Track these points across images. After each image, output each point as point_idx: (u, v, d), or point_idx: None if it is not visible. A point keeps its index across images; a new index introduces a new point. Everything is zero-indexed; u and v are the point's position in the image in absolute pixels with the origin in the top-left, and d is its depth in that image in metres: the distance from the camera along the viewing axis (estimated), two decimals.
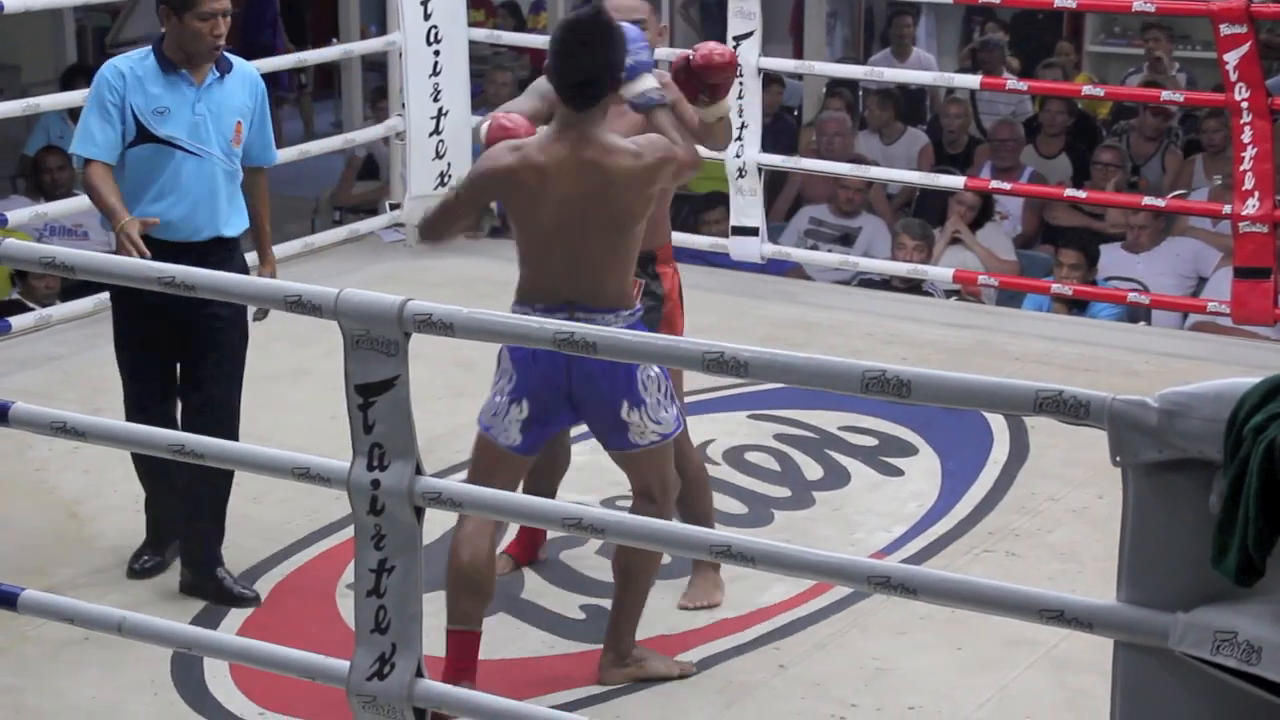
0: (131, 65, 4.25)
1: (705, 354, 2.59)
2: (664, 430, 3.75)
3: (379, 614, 2.86)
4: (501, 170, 3.65)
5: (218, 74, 4.28)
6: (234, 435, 4.24)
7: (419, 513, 2.83)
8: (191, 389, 4.29)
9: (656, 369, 3.70)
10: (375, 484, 2.81)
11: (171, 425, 4.22)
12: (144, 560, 4.41)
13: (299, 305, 2.85)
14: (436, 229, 3.78)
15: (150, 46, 4.30)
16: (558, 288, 3.66)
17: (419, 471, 2.82)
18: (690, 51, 4.05)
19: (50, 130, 8.40)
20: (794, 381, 2.63)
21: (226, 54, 4.32)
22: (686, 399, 5.52)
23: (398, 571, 2.84)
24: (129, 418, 4.25)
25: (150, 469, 4.38)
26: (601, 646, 3.95)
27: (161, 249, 4.07)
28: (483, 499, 2.99)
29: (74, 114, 8.10)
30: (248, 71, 4.37)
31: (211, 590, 4.28)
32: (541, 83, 4.04)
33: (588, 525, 2.78)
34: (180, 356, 4.30)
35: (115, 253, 4.14)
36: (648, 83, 3.80)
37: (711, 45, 4.05)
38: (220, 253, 4.24)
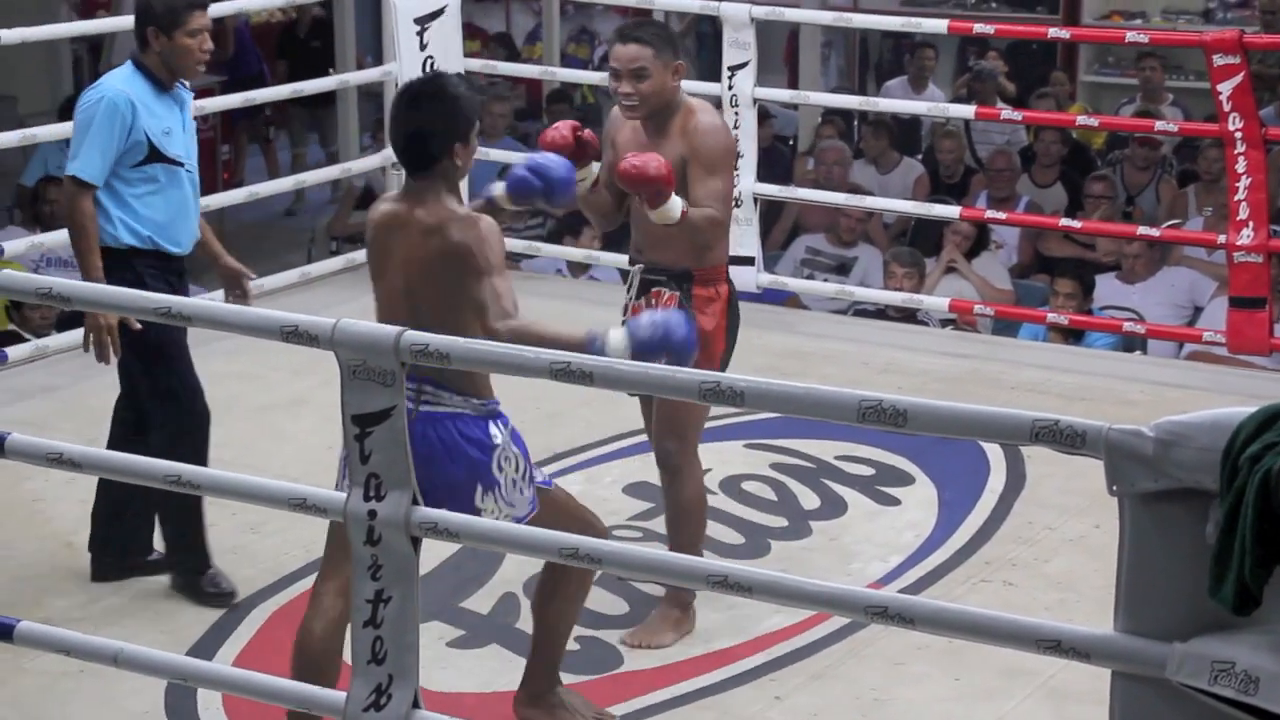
0: (132, 89, 4.29)
1: (701, 384, 2.60)
2: (517, 514, 3.53)
3: (375, 645, 2.86)
4: (369, 225, 3.61)
5: (187, 92, 4.45)
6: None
7: (415, 543, 2.83)
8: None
9: (516, 447, 3.52)
10: (372, 514, 2.81)
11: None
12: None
13: (295, 335, 2.85)
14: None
15: (131, 69, 4.33)
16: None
17: (415, 502, 2.81)
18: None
19: (49, 161, 8.40)
20: (790, 411, 2.63)
21: None
22: None
23: (394, 602, 2.83)
24: (178, 408, 4.46)
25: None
26: (592, 678, 3.94)
27: (170, 261, 4.37)
28: (478, 530, 2.99)
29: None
30: (188, 91, 4.49)
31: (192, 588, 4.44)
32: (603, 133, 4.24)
33: (584, 555, 2.78)
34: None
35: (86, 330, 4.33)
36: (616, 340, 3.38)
37: (631, 159, 3.95)
38: (186, 260, 4.49)
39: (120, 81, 4.32)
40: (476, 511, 3.46)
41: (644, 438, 5.50)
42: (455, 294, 3.45)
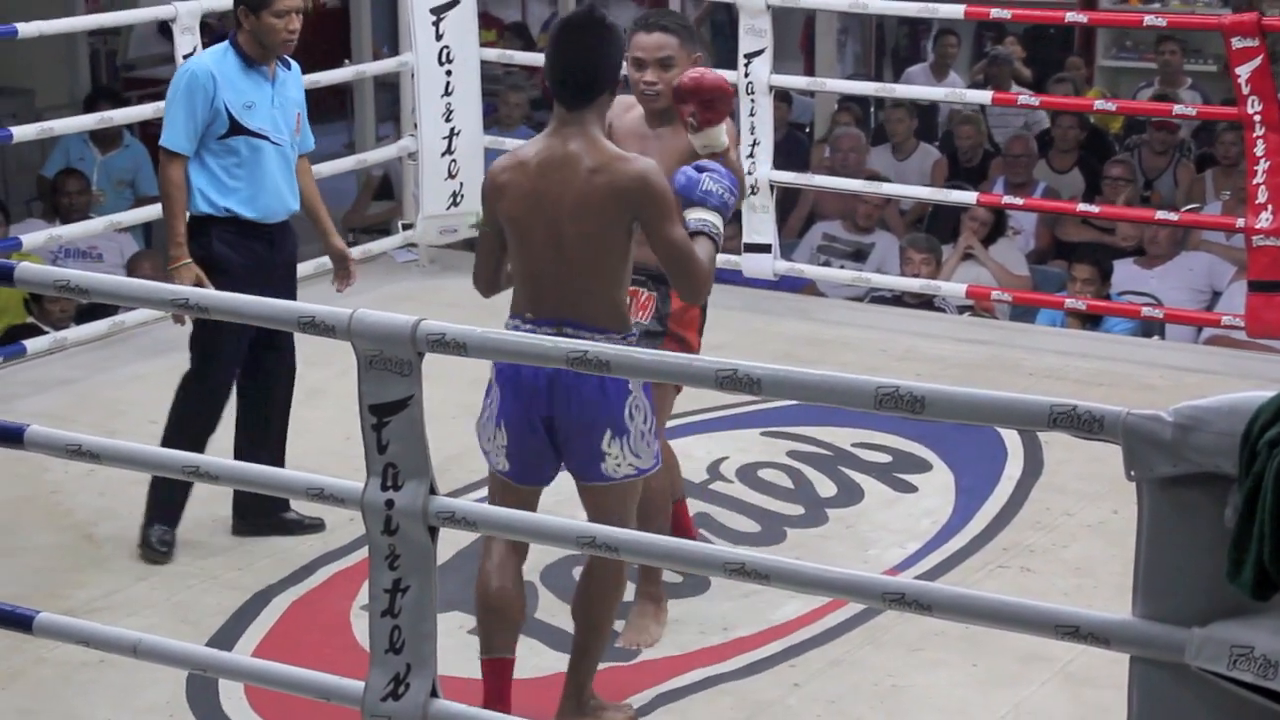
0: (217, 63, 4.57)
1: (718, 372, 2.59)
2: (641, 465, 3.58)
3: (393, 634, 2.86)
4: (493, 175, 3.57)
5: (283, 69, 4.68)
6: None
7: (433, 532, 2.83)
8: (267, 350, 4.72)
9: (645, 400, 3.55)
10: (390, 504, 2.81)
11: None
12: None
13: (312, 326, 2.85)
14: (478, 272, 3.67)
15: (226, 44, 4.63)
16: (545, 299, 3.53)
17: (433, 491, 2.82)
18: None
19: (70, 153, 8.41)
20: (807, 399, 2.63)
21: None
22: (702, 416, 5.54)
23: (412, 591, 2.83)
24: (222, 379, 4.66)
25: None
26: (611, 666, 3.94)
27: (252, 229, 4.60)
28: (497, 519, 2.99)
29: (94, 137, 8.16)
30: (295, 67, 4.75)
31: (274, 523, 4.68)
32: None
33: (602, 543, 2.78)
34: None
35: (165, 279, 4.48)
36: (696, 214, 3.59)
37: (702, 70, 3.95)
38: (286, 229, 4.72)
39: (208, 57, 4.64)
40: (602, 455, 3.52)
41: (678, 421, 5.50)
42: (613, 235, 3.48)
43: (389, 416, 2.80)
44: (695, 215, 3.57)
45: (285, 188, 4.67)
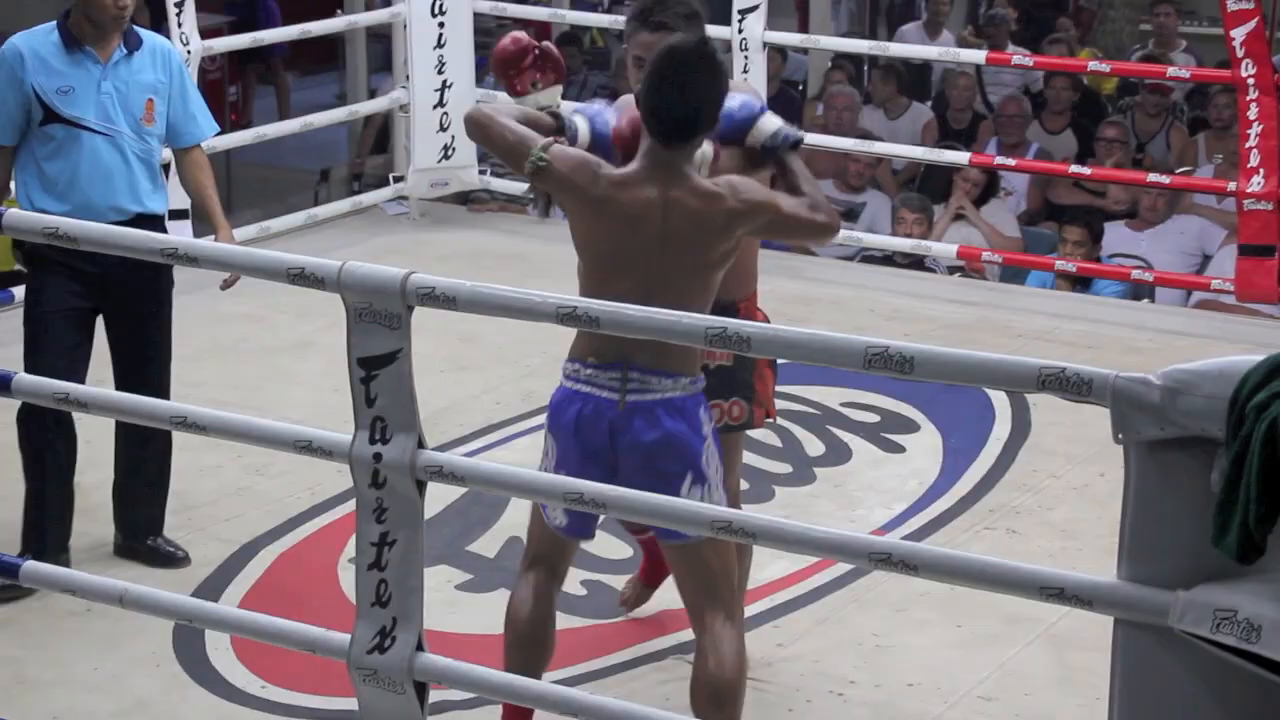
0: (33, 44, 4.13)
1: (708, 329, 2.59)
2: None
3: (380, 587, 2.86)
4: (581, 184, 3.23)
5: (125, 50, 4.16)
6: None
7: (421, 486, 2.83)
8: (130, 372, 4.24)
9: (714, 444, 3.25)
10: (377, 457, 2.81)
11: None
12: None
13: (302, 278, 2.84)
14: (482, 133, 3.35)
15: (54, 23, 4.17)
16: (615, 341, 3.14)
17: (421, 445, 2.81)
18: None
19: None
20: (796, 357, 2.63)
21: (137, 29, 4.20)
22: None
23: (399, 545, 2.84)
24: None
25: (47, 465, 4.24)
26: (596, 622, 3.94)
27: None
28: (487, 474, 2.98)
29: None
30: (160, 46, 4.24)
31: (144, 553, 4.34)
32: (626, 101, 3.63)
33: (589, 499, 2.78)
34: (110, 336, 4.25)
35: None
36: (774, 122, 3.41)
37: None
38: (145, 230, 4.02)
39: (25, 35, 4.18)
40: None
41: None
42: (713, 266, 3.23)
43: (377, 370, 2.80)
44: (772, 126, 3.38)
45: (120, 185, 4.14)
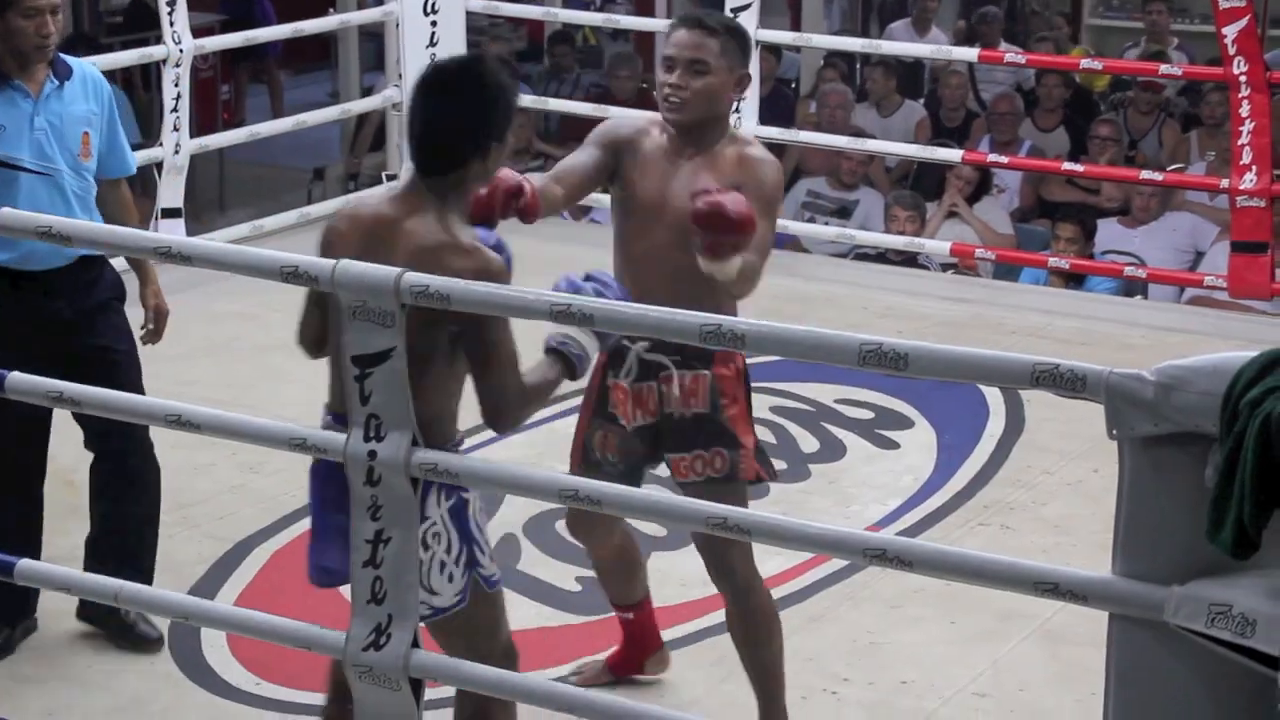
0: None
1: (702, 327, 2.59)
2: (438, 604, 2.93)
3: (375, 585, 2.86)
4: (333, 234, 2.99)
5: (55, 82, 3.83)
6: (154, 479, 3.97)
7: (415, 484, 2.83)
8: (96, 438, 3.91)
9: (451, 524, 2.93)
10: (372, 455, 2.81)
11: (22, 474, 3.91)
12: None
13: (296, 276, 2.84)
14: (303, 335, 3.10)
15: None
16: (335, 390, 2.96)
17: (415, 443, 2.81)
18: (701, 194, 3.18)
19: None
20: (791, 354, 2.63)
21: (64, 58, 3.90)
22: None
23: (394, 543, 2.83)
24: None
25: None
26: (591, 619, 3.95)
27: (16, 280, 3.74)
28: (478, 472, 2.98)
29: None
30: (90, 74, 3.91)
31: (113, 626, 3.93)
32: (604, 129, 3.48)
33: (585, 497, 2.77)
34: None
35: None
36: (573, 331, 2.95)
37: (713, 192, 3.15)
38: (90, 273, 3.85)
39: None
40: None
41: None
42: (428, 338, 2.84)
43: (372, 368, 2.79)
44: (560, 332, 2.95)
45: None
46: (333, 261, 2.81)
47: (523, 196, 3.25)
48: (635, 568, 3.75)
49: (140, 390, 3.81)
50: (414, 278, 2.75)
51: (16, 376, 3.16)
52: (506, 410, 2.90)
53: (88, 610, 3.95)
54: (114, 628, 3.93)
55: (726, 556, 3.46)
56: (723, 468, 3.45)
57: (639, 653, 3.80)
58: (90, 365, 3.75)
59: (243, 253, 3.02)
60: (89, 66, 3.96)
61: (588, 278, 3.00)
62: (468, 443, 5.17)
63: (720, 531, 2.71)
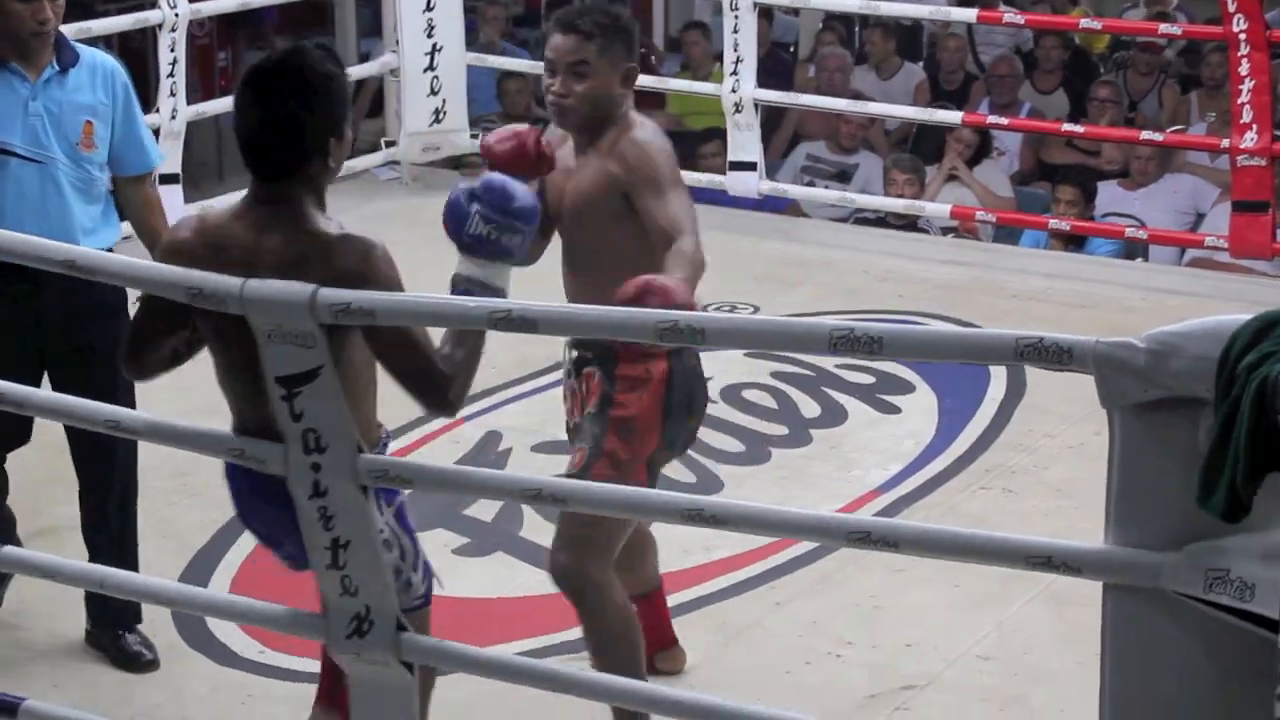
0: None
1: (658, 324, 2.39)
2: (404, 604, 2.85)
3: (345, 582, 2.71)
4: (176, 245, 2.83)
5: (57, 67, 3.73)
6: (132, 495, 3.90)
7: (365, 490, 2.65)
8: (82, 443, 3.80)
9: (398, 528, 2.90)
10: (315, 467, 2.61)
11: None
12: None
13: (201, 297, 2.60)
14: (132, 354, 2.97)
15: None
16: (241, 409, 2.87)
17: (360, 450, 2.62)
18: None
19: None
20: (758, 346, 2.57)
21: (74, 45, 3.79)
22: None
23: (354, 545, 2.67)
24: None
25: None
26: None
27: (4, 272, 3.45)
28: (431, 474, 2.85)
29: None
30: (102, 64, 3.79)
31: (113, 651, 3.87)
32: None
33: (547, 496, 2.62)
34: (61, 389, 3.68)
35: None
36: (472, 269, 2.79)
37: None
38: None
39: None
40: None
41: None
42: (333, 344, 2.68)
43: (300, 387, 2.58)
44: (464, 270, 2.80)
45: (54, 219, 3.65)
46: (240, 281, 2.58)
47: (542, 141, 3.19)
48: (642, 553, 3.64)
49: (121, 391, 3.58)
50: (330, 295, 2.52)
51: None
52: (443, 392, 2.74)
53: (92, 639, 3.90)
54: (117, 656, 3.85)
55: (581, 561, 3.31)
56: (577, 464, 3.32)
57: (648, 647, 3.55)
58: (70, 366, 3.69)
59: (149, 269, 2.79)
60: (103, 56, 3.85)
61: (473, 191, 2.81)
62: (466, 410, 5.16)
63: (696, 523, 2.51)
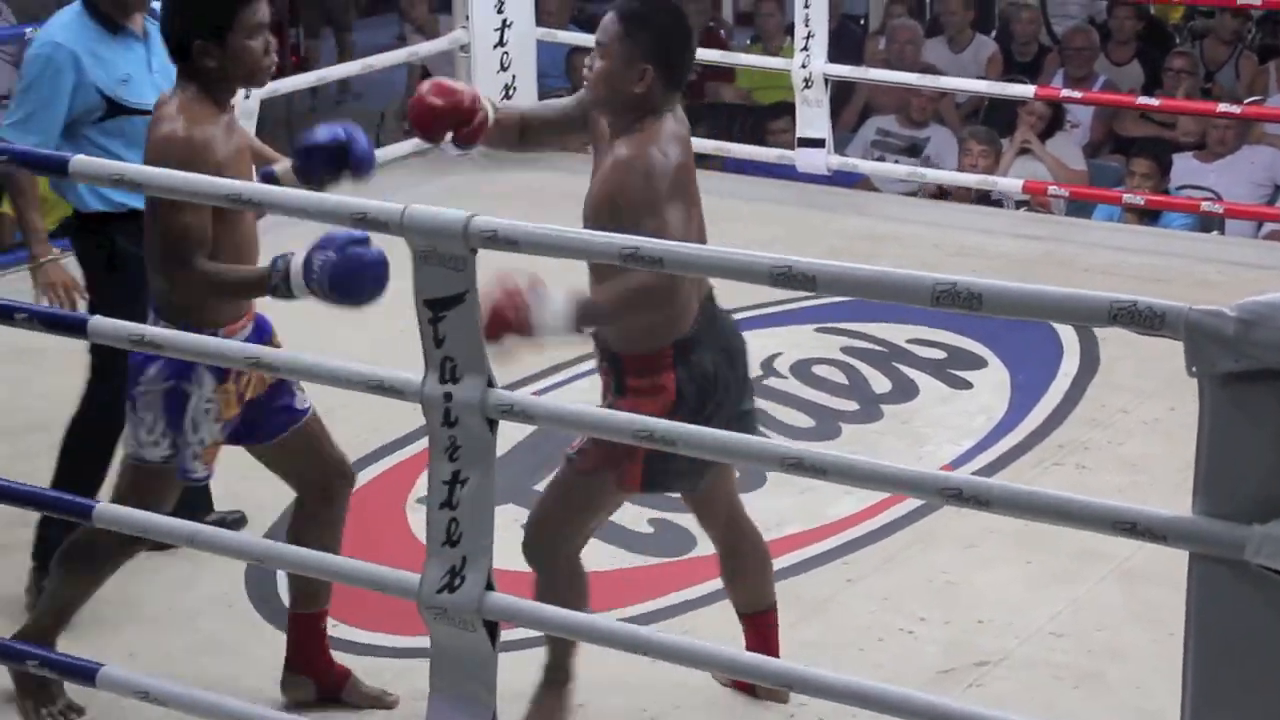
0: (78, 37, 3.79)
1: (773, 268, 2.54)
2: (139, 453, 3.39)
3: (451, 526, 2.86)
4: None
5: (152, 21, 3.81)
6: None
7: (492, 425, 2.81)
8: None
9: (160, 406, 3.34)
10: (448, 396, 2.80)
11: None
12: None
13: (365, 222, 2.83)
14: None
15: (79, 6, 3.83)
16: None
17: (491, 384, 2.81)
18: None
19: None
20: (864, 295, 2.59)
21: None
22: (754, 312, 5.51)
23: (471, 484, 2.83)
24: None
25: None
26: (664, 560, 3.94)
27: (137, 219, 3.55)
28: (555, 412, 2.97)
29: None
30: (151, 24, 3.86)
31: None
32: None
33: (659, 437, 2.72)
34: None
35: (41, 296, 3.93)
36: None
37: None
38: None
39: (61, 30, 3.81)
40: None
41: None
42: (154, 216, 3.25)
43: (444, 311, 2.78)
44: (295, 265, 3.13)
45: None
46: (401, 207, 2.80)
47: (470, 118, 3.29)
48: (761, 568, 3.57)
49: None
50: (481, 222, 2.71)
51: (97, 320, 3.17)
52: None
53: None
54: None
55: (541, 527, 3.41)
56: (575, 447, 3.33)
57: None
58: None
59: (310, 198, 3.01)
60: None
61: (317, 245, 3.09)
62: (534, 386, 5.17)
63: (795, 472, 2.63)
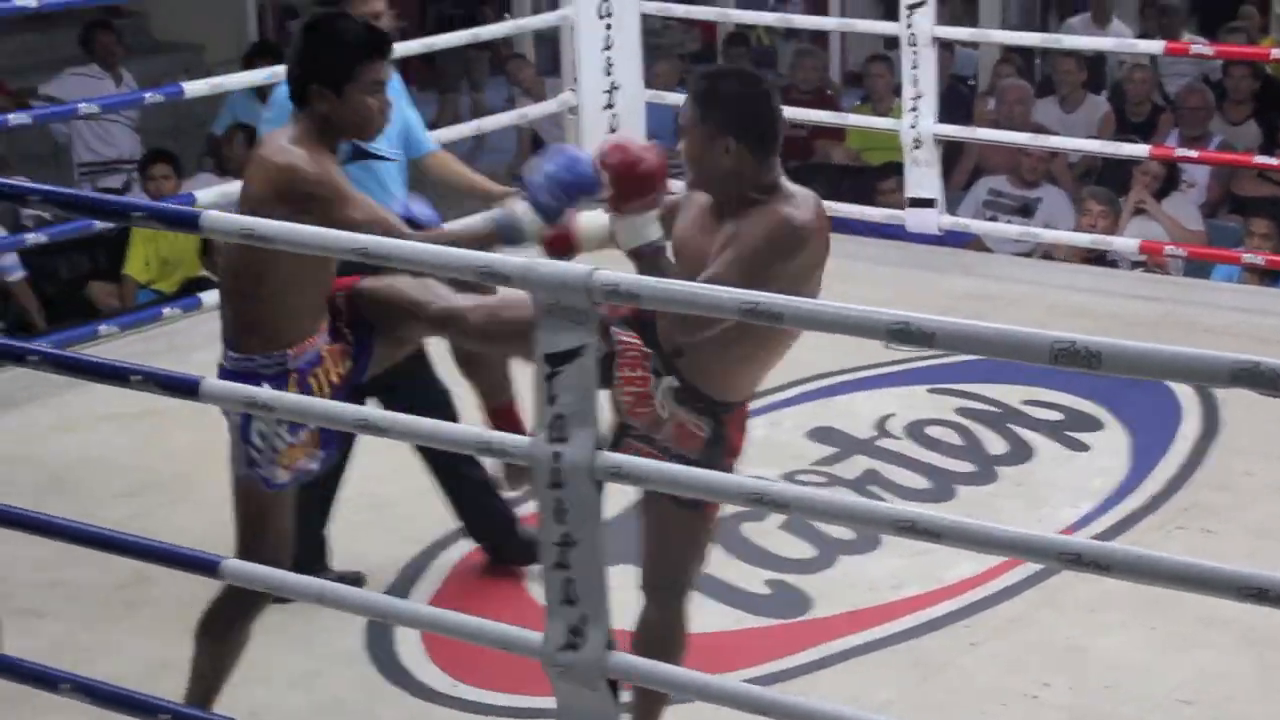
0: None
1: (890, 324, 2.50)
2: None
3: (567, 586, 2.85)
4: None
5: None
6: None
7: (599, 486, 2.77)
8: None
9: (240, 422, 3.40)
10: (556, 456, 2.78)
11: None
12: None
13: (490, 275, 2.83)
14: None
15: None
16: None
17: (599, 446, 2.76)
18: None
19: (237, 109, 8.53)
20: (982, 352, 2.56)
21: None
22: (867, 373, 5.48)
23: (582, 544, 2.80)
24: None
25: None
26: (781, 622, 3.91)
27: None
28: (662, 474, 2.94)
29: (259, 92, 8.26)
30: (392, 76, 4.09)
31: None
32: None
33: (770, 500, 2.70)
34: None
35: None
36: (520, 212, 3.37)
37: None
38: None
39: None
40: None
41: (823, 382, 5.46)
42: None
43: (562, 365, 2.76)
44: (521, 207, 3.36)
45: (400, 198, 4.20)
46: (525, 261, 2.80)
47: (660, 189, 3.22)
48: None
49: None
50: (604, 276, 2.70)
51: (210, 382, 3.14)
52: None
53: None
54: None
55: (660, 570, 3.46)
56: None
57: None
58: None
59: (438, 253, 2.93)
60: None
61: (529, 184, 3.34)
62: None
63: (909, 535, 2.57)
